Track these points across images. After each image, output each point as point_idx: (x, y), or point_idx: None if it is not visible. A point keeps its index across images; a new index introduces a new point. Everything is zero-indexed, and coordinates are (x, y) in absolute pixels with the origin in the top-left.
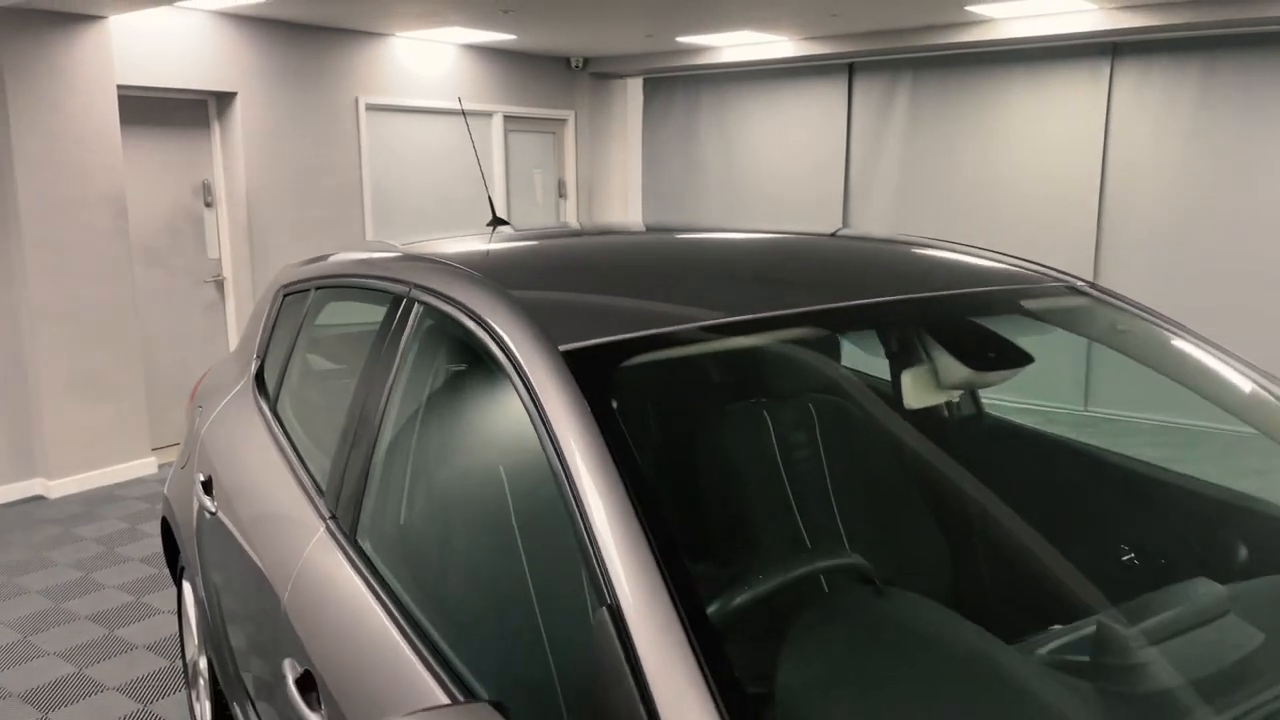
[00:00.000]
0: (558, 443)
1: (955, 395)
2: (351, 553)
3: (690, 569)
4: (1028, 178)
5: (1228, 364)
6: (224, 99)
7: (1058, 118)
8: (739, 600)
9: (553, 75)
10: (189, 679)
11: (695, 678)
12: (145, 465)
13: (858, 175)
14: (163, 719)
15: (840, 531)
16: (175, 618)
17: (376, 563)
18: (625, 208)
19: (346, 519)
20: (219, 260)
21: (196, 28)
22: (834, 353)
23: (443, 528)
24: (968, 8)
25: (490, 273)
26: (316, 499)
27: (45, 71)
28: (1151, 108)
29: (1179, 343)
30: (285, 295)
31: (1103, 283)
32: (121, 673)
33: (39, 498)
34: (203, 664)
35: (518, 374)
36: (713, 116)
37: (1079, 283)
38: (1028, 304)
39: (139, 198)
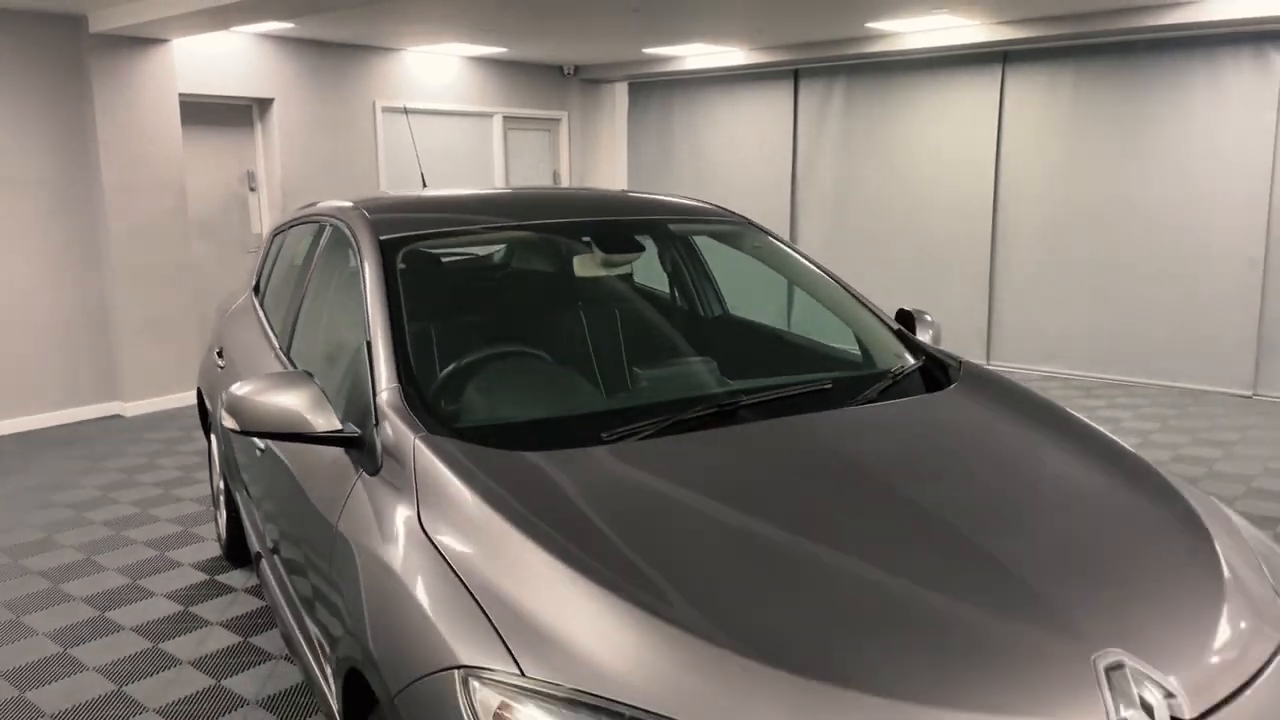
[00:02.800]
0: (365, 280)
1: (610, 270)
2: (289, 366)
3: (426, 356)
4: (936, 167)
5: (823, 273)
6: (264, 104)
7: (960, 116)
8: (450, 367)
9: (547, 81)
10: (214, 499)
11: (393, 380)
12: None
13: (802, 166)
14: (199, 535)
15: (523, 328)
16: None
17: (298, 363)
18: None
19: (285, 344)
20: (259, 234)
21: (242, 46)
22: (562, 247)
23: (325, 327)
24: (867, 24)
25: (366, 208)
26: (276, 342)
27: (123, 83)
28: (1036, 107)
29: (791, 256)
30: (274, 234)
31: (999, 250)
32: (171, 511)
33: (118, 415)
34: (220, 485)
35: (359, 252)
36: (684, 116)
37: (743, 219)
38: (713, 228)
39: (195, 183)
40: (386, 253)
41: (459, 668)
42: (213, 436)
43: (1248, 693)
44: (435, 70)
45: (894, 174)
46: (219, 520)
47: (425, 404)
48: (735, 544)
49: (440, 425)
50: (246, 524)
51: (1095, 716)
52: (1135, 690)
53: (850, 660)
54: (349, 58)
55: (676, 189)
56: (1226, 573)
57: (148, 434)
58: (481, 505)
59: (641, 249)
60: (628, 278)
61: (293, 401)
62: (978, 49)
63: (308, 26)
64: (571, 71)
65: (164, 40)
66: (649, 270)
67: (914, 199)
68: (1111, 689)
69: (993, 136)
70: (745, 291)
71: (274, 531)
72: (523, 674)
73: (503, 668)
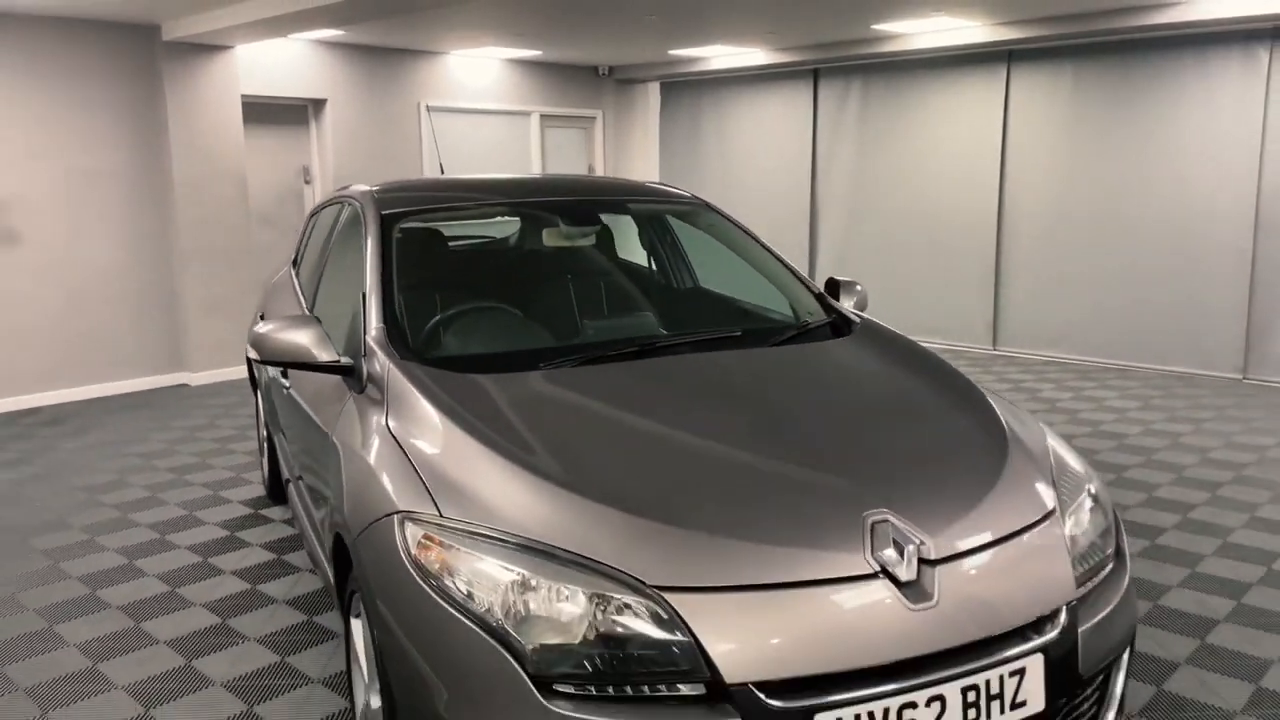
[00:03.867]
0: (366, 246)
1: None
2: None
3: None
4: (946, 163)
5: (763, 247)
6: (318, 104)
7: (968, 114)
8: (426, 313)
9: (583, 81)
10: (260, 447)
11: (379, 323)
12: None
13: (822, 162)
14: (248, 479)
15: (493, 287)
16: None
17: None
18: None
19: (310, 304)
20: None
21: (298, 51)
22: (541, 223)
23: (339, 286)
24: (873, 26)
25: (376, 189)
26: (304, 302)
27: (192, 86)
28: (1038, 105)
29: (737, 233)
30: (310, 216)
31: (1005, 243)
32: (225, 461)
33: (184, 385)
34: (263, 434)
35: (365, 224)
36: (712, 115)
37: (699, 200)
38: (672, 207)
39: (256, 176)
40: (385, 224)
41: (397, 513)
42: (258, 392)
43: (987, 552)
44: (476, 72)
45: (906, 170)
46: (263, 464)
47: (404, 340)
48: (611, 430)
49: (412, 355)
50: (280, 460)
51: (856, 554)
52: (891, 537)
53: (674, 504)
54: (396, 61)
55: (704, 184)
56: (1004, 468)
57: (210, 400)
58: (427, 406)
59: (599, 224)
60: (599, 249)
61: (301, 338)
62: (983, 49)
63: (357, 33)
64: (606, 72)
65: (229, 47)
66: (634, 247)
67: (925, 194)
68: (873, 536)
69: (998, 134)
70: (700, 262)
71: (295, 457)
72: (440, 515)
73: (427, 511)
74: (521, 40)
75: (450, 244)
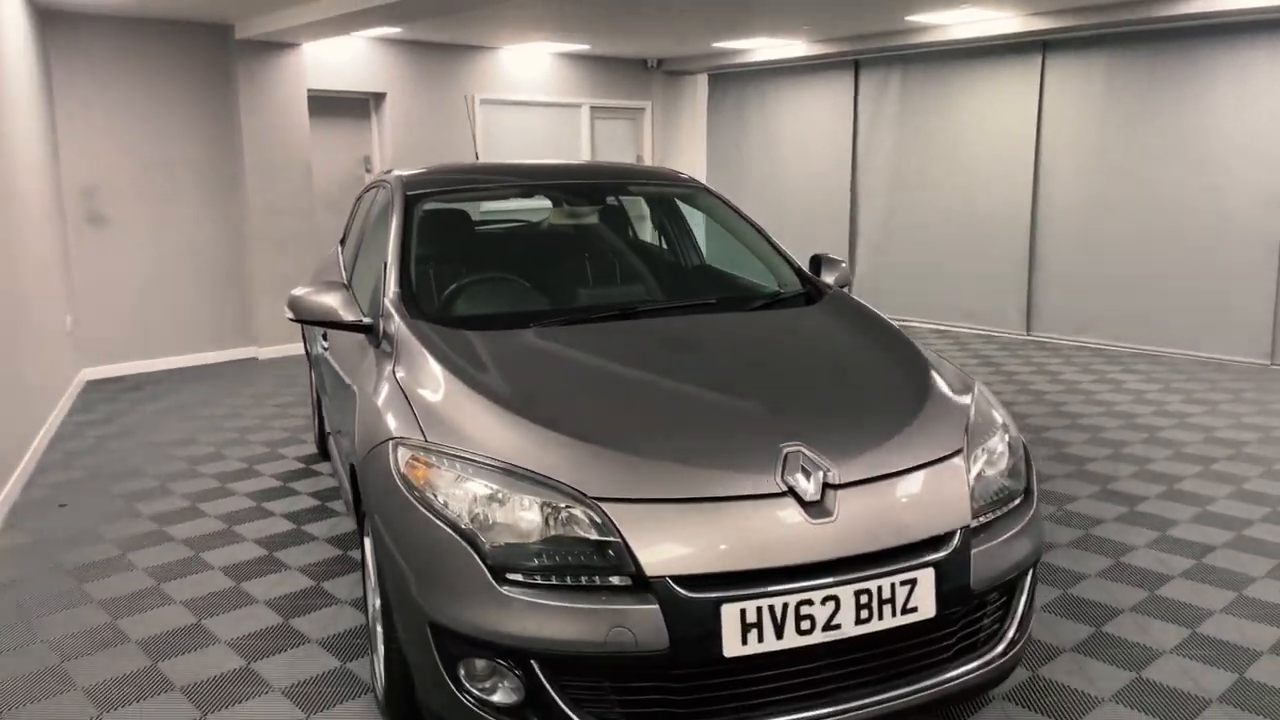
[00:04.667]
0: (389, 220)
1: (576, 219)
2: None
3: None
4: (982, 153)
5: (752, 226)
6: (379, 97)
7: (1004, 103)
8: (436, 281)
9: (631, 73)
10: (312, 409)
11: (396, 288)
12: None
13: (862, 152)
14: (302, 439)
15: (502, 259)
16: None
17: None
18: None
19: (349, 276)
20: None
21: (361, 48)
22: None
23: (371, 259)
24: (906, 18)
25: (406, 173)
26: (344, 274)
27: (262, 81)
28: (1072, 94)
29: (731, 214)
30: (357, 199)
31: (1038, 228)
32: (284, 423)
33: (253, 358)
34: (314, 397)
35: (393, 202)
36: (757, 106)
37: (699, 184)
38: (674, 190)
39: (320, 165)
40: (408, 204)
41: (392, 439)
42: (311, 361)
43: (888, 480)
44: (527, 65)
45: (943, 158)
46: (314, 425)
47: (415, 304)
48: (575, 374)
49: (421, 316)
50: (324, 418)
51: (768, 476)
52: (801, 464)
53: (618, 433)
54: (451, 56)
55: (749, 174)
56: (919, 413)
57: (275, 371)
58: (425, 355)
59: (600, 205)
60: (612, 228)
61: (329, 300)
62: (1018, 39)
63: (415, 30)
64: (655, 64)
65: (296, 45)
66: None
67: (961, 182)
68: (786, 463)
69: (1033, 123)
70: (701, 241)
71: (332, 413)
72: (425, 440)
73: (415, 437)
74: (570, 35)
75: (476, 225)
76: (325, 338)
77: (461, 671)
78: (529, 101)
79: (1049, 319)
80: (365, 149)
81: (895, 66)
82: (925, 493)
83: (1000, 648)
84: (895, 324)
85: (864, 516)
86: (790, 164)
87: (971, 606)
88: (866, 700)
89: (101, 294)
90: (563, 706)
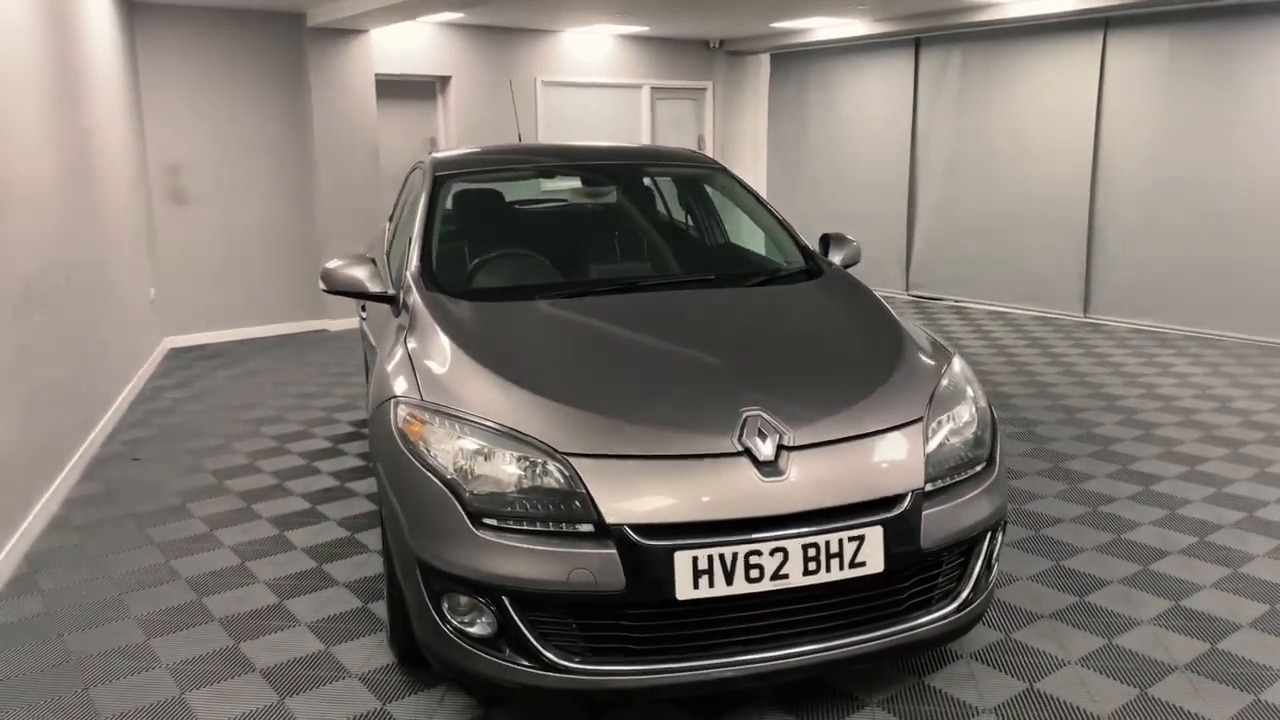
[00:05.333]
0: (418, 198)
1: (593, 199)
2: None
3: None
4: (1041, 132)
5: (764, 207)
6: (444, 80)
7: (1065, 82)
8: (455, 257)
9: (693, 53)
10: (366, 379)
11: (417, 262)
12: None
13: (921, 132)
14: (358, 405)
15: (517, 236)
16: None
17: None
18: (755, 157)
19: (388, 249)
20: None
21: (427, 33)
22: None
23: (404, 234)
24: None
25: (440, 155)
26: (386, 248)
27: (332, 66)
28: (1134, 72)
29: (744, 194)
30: (405, 178)
31: (1098, 210)
32: (343, 390)
33: (324, 330)
34: (365, 365)
35: (424, 180)
36: (818, 86)
37: (717, 164)
38: (694, 170)
39: (387, 146)
40: (435, 184)
41: (393, 398)
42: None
43: (842, 444)
44: (589, 48)
45: (1003, 139)
46: (367, 390)
47: (433, 277)
48: (563, 342)
49: (436, 288)
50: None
51: (726, 437)
52: (759, 428)
53: (593, 396)
54: (514, 39)
55: (808, 153)
56: (883, 384)
57: (342, 343)
58: (432, 323)
59: (619, 184)
60: (639, 207)
61: (357, 273)
62: (1079, 16)
63: (479, 14)
64: (717, 45)
65: (364, 30)
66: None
67: (1020, 164)
68: (744, 427)
69: (1094, 101)
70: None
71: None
72: (422, 399)
73: (413, 396)
74: (631, 17)
75: (506, 204)
76: (363, 309)
77: (445, 605)
78: (590, 84)
79: (1107, 301)
80: (431, 130)
81: (956, 45)
82: (879, 457)
83: (953, 606)
84: (883, 300)
85: (815, 476)
86: (850, 143)
87: (925, 565)
88: (815, 647)
89: (184, 267)
90: (530, 639)
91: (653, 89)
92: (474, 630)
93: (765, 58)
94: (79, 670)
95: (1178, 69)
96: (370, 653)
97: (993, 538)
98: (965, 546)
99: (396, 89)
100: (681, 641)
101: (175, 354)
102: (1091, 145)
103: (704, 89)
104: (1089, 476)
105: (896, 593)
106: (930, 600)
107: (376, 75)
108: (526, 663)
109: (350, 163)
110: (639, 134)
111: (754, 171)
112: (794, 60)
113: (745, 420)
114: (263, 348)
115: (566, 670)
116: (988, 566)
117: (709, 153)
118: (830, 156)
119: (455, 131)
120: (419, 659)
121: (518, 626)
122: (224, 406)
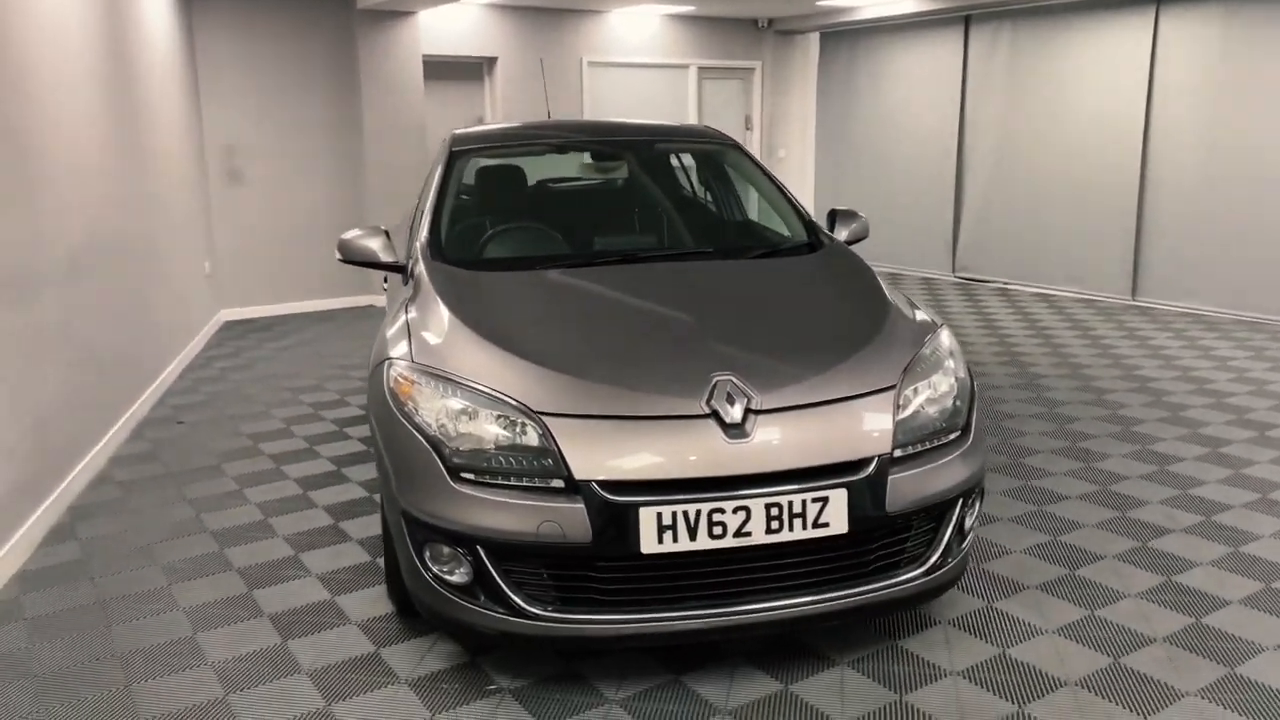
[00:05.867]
0: (432, 174)
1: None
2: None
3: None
4: (1091, 111)
5: (772, 182)
6: (490, 61)
7: (1115, 61)
8: (462, 229)
9: (742, 33)
10: None
11: (425, 234)
12: None
13: (970, 111)
14: None
15: (525, 209)
16: None
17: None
18: (803, 137)
19: (412, 222)
20: None
21: (473, 15)
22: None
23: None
24: None
25: (461, 131)
26: (413, 220)
27: (381, 48)
28: (1186, 51)
29: (755, 170)
30: (436, 155)
31: (1147, 191)
32: None
33: (371, 305)
34: None
35: (443, 154)
36: (866, 64)
37: (730, 140)
38: (706, 146)
39: (435, 125)
40: (450, 159)
41: (388, 359)
42: None
43: (809, 410)
44: (635, 28)
45: (1052, 118)
46: None
47: (440, 248)
48: (550, 309)
49: (442, 258)
50: None
51: (695, 400)
52: (727, 392)
53: (570, 360)
54: (560, 20)
55: (857, 132)
56: (858, 353)
57: None
58: (430, 289)
59: (630, 159)
60: (657, 182)
61: (371, 244)
62: None
63: None
64: (766, 24)
65: (412, 12)
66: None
67: (1069, 144)
68: (714, 391)
69: (1144, 80)
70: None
71: None
72: (413, 360)
73: (405, 357)
74: None
75: (499, 169)
76: (385, 280)
77: (427, 555)
78: (636, 64)
79: (1155, 284)
80: (478, 110)
81: (1006, 22)
82: (846, 422)
83: (921, 569)
84: (877, 272)
85: (780, 439)
86: (898, 122)
87: (892, 528)
88: (780, 603)
89: (238, 243)
90: (503, 586)
91: (700, 69)
92: (453, 578)
93: (814, 37)
94: (103, 611)
95: (1231, 47)
96: (371, 603)
97: (965, 505)
98: (936, 512)
99: (444, 70)
100: (645, 594)
101: (229, 326)
102: (1142, 125)
103: (752, 69)
104: (1105, 456)
105: (862, 554)
106: (898, 563)
107: (424, 56)
108: (501, 610)
109: (398, 143)
110: (685, 115)
111: (802, 152)
112: (843, 39)
113: (715, 384)
114: (311, 321)
115: (538, 618)
116: (960, 533)
117: (756, 134)
118: (879, 137)
119: (502, 112)
120: (414, 609)
121: (491, 575)
122: (268, 375)
